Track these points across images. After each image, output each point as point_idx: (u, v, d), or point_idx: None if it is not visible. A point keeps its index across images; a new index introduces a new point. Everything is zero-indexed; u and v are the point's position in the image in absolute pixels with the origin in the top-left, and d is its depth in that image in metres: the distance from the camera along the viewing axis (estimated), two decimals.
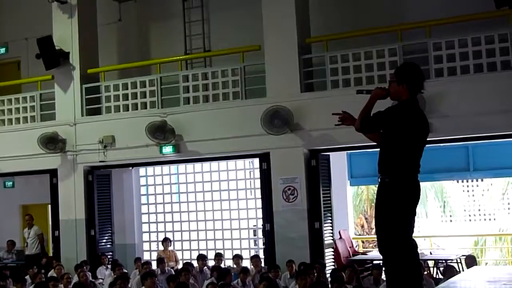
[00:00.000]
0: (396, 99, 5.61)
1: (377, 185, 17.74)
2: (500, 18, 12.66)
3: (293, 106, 13.40)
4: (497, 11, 12.35)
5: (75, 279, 12.87)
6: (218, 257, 14.35)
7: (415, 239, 5.61)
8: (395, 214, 5.42)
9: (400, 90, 5.56)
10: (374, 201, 18.19)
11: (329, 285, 10.29)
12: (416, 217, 5.60)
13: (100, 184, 16.00)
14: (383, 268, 6.49)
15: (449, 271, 10.92)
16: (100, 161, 15.31)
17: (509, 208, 25.63)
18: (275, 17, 13.88)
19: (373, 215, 18.40)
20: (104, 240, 16.01)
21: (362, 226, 22.91)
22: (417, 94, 5.58)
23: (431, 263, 14.46)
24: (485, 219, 26.12)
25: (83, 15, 16.05)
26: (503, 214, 25.46)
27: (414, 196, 5.52)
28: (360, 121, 5.62)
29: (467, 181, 23.94)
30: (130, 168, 16.72)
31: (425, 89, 5.61)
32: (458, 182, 23.32)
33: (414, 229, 5.64)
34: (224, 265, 14.60)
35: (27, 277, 13.32)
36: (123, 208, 16.88)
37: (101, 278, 13.11)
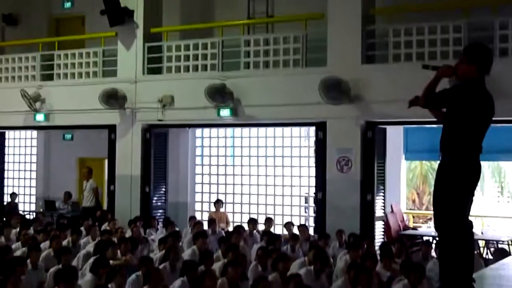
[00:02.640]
0: (463, 78, 5.56)
1: (431, 161, 17.63)
2: None
3: (352, 77, 13.37)
4: None
5: (128, 233, 13.17)
6: (269, 221, 14.50)
7: (471, 219, 5.65)
8: (453, 194, 5.43)
9: (470, 69, 5.50)
10: (427, 176, 18.14)
11: (378, 258, 10.33)
12: (473, 198, 5.61)
13: (157, 142, 16.26)
14: (437, 245, 6.50)
15: (500, 252, 10.87)
16: (158, 120, 15.54)
17: None
18: None
19: (425, 191, 18.34)
20: (158, 197, 16.31)
21: (414, 201, 22.83)
22: (485, 75, 5.54)
23: (481, 243, 14.41)
24: None
25: None
26: None
27: (474, 177, 5.51)
28: (424, 97, 5.60)
29: None
30: (187, 128, 16.89)
31: (492, 74, 5.56)
32: None
33: (471, 208, 5.66)
34: (274, 230, 14.75)
35: (82, 228, 13.68)
36: (178, 167, 17.13)
37: (153, 239, 13.38)
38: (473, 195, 5.55)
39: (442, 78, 5.63)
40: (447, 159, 5.50)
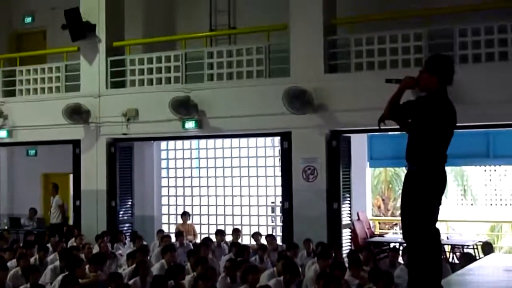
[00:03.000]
0: (425, 89, 5.68)
1: (395, 167, 17.86)
2: None
3: (316, 87, 13.49)
4: None
5: (95, 249, 13.09)
6: (236, 232, 14.53)
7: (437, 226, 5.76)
8: (421, 202, 5.54)
9: (431, 80, 5.62)
10: (392, 182, 18.36)
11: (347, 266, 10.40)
12: (440, 205, 5.71)
13: (122, 156, 16.22)
14: (405, 253, 6.62)
15: (466, 257, 11.02)
16: (123, 134, 15.51)
17: None
18: None
19: (390, 197, 18.56)
20: (124, 211, 16.25)
21: (379, 207, 23.03)
22: (447, 85, 5.65)
23: (447, 248, 14.60)
24: (501, 204, 26.27)
25: None
26: None
27: (440, 185, 5.63)
28: (389, 109, 5.70)
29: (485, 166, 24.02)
30: (152, 141, 16.87)
31: (453, 82, 5.67)
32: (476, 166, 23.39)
33: (438, 216, 5.76)
34: (242, 241, 14.77)
35: (49, 245, 13.57)
36: (143, 180, 17.09)
37: (120, 254, 13.31)
38: (439, 203, 5.66)
39: (406, 90, 5.73)
40: (413, 169, 5.61)
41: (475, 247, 14.30)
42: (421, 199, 5.53)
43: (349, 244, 14.23)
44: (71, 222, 17.04)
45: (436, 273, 5.62)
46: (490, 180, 26.59)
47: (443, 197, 5.74)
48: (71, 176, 17.20)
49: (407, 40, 13.14)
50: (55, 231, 15.45)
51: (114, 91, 15.86)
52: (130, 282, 9.54)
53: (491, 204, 26.57)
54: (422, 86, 5.70)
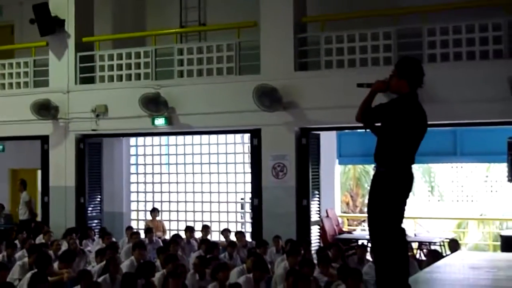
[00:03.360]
0: (396, 92, 5.76)
1: (363, 165, 17.98)
2: (495, 7, 12.78)
3: (286, 84, 13.54)
4: (492, 0, 12.50)
5: (64, 245, 13.03)
6: (206, 229, 14.56)
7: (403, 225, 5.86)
8: (388, 203, 5.62)
9: (401, 84, 5.71)
10: (360, 179, 18.51)
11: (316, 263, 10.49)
12: (406, 206, 5.81)
13: (91, 152, 16.14)
14: (372, 252, 6.70)
15: (433, 254, 11.15)
16: (92, 130, 15.44)
17: (491, 191, 26.12)
18: None
19: (358, 193, 18.70)
20: (93, 208, 16.18)
21: (348, 204, 23.21)
22: (417, 88, 5.73)
23: (415, 245, 14.77)
24: (467, 200, 26.65)
25: None
26: (485, 197, 25.94)
27: (407, 187, 5.72)
28: (361, 113, 5.78)
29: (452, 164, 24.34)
30: (121, 137, 16.81)
31: (424, 84, 5.75)
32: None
33: (404, 216, 5.86)
34: (211, 237, 14.81)
35: (17, 241, 13.48)
36: (112, 176, 17.04)
37: (89, 251, 13.27)
38: (405, 204, 5.75)
39: (377, 93, 5.81)
40: (381, 170, 5.70)
41: (442, 244, 14.48)
42: (388, 200, 5.62)
43: (318, 241, 14.33)
44: (39, 218, 16.91)
45: (403, 271, 5.71)
46: (457, 177, 26.96)
47: (411, 194, 5.83)
48: (39, 172, 17.10)
49: (377, 39, 13.25)
50: (23, 228, 15.34)
51: (83, 87, 15.78)
52: (100, 279, 9.51)
53: (457, 201, 26.94)
54: (393, 90, 5.78)
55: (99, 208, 16.38)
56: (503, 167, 13.57)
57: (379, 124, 5.80)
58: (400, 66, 5.80)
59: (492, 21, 12.44)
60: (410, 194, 5.86)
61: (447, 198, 27.08)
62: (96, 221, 16.20)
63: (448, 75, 12.44)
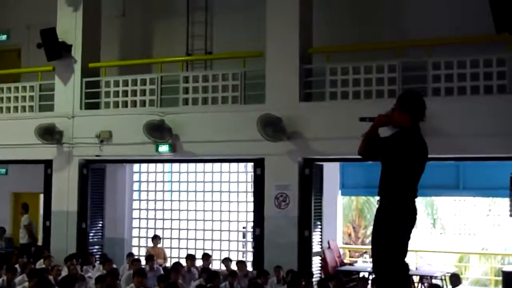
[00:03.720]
0: (398, 126, 5.78)
1: (366, 196, 17.96)
2: (500, 42, 12.84)
3: (290, 114, 13.58)
4: (497, 36, 12.57)
5: (64, 271, 12.99)
6: (206, 257, 14.52)
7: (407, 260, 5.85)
8: (391, 237, 5.61)
9: (403, 117, 5.73)
10: (363, 210, 18.49)
11: None
12: (410, 240, 5.81)
13: (94, 178, 16.16)
14: (375, 285, 6.69)
15: None
16: (96, 156, 15.47)
17: (493, 225, 26.05)
18: (279, 24, 14.02)
19: (361, 225, 18.67)
20: (94, 233, 16.15)
21: (350, 235, 23.15)
22: (419, 122, 5.76)
23: (416, 278, 14.71)
24: (469, 234, 26.58)
25: (88, 8, 16.16)
26: (487, 231, 25.88)
27: (410, 220, 5.72)
28: (364, 147, 5.80)
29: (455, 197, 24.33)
30: (125, 163, 16.83)
31: (426, 117, 5.78)
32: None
33: (408, 250, 5.86)
34: (212, 266, 14.76)
35: (17, 265, 13.44)
36: (115, 202, 17.02)
37: (89, 277, 13.22)
38: (409, 238, 5.74)
39: (380, 127, 5.83)
40: (384, 203, 5.69)
41: (443, 278, 14.43)
42: (392, 233, 5.61)
43: (319, 272, 14.28)
44: (40, 242, 16.87)
45: None
46: (459, 210, 26.91)
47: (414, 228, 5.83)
48: (41, 196, 17.10)
49: (381, 71, 13.31)
50: (23, 252, 15.30)
51: (88, 112, 15.83)
52: None
53: (460, 234, 26.86)
54: (395, 124, 5.80)
55: (100, 233, 16.35)
56: (505, 201, 13.56)
57: (381, 157, 5.81)
58: (402, 99, 5.83)
59: (497, 57, 12.50)
60: (414, 227, 5.86)
61: (449, 231, 27.01)
62: (97, 246, 16.17)
63: (452, 109, 12.48)
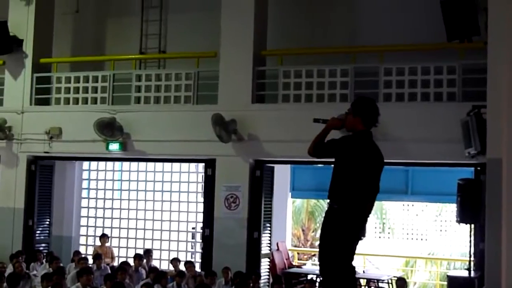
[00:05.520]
0: (351, 130, 5.85)
1: (316, 199, 18.05)
2: (451, 50, 13.04)
3: (242, 116, 13.60)
4: (448, 44, 12.77)
5: (9, 268, 12.80)
6: (148, 253, 14.53)
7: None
8: (339, 240, 5.66)
9: (355, 122, 5.80)
10: (313, 213, 18.56)
11: None
12: (358, 244, 5.85)
13: (42, 174, 15.94)
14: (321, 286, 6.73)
15: None
16: (45, 152, 15.27)
17: (441, 230, 26.42)
18: (233, 26, 14.03)
19: (310, 227, 18.74)
20: (41, 231, 15.94)
21: (299, 238, 23.24)
22: (371, 127, 5.82)
23: (363, 282, 14.84)
24: (417, 239, 26.90)
25: (41, 3, 15.91)
26: (434, 236, 26.24)
27: (359, 224, 5.77)
28: (313, 146, 5.84)
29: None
30: (74, 161, 16.64)
31: (379, 123, 5.84)
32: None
33: (355, 254, 5.91)
34: (160, 266, 14.70)
35: None
36: (63, 200, 16.79)
37: (35, 275, 13.04)
38: (357, 242, 5.79)
39: (331, 130, 5.88)
40: (334, 207, 5.73)
41: (389, 281, 14.57)
42: (340, 237, 5.66)
43: (267, 274, 14.30)
44: None
45: None
46: (408, 215, 27.23)
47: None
48: None
49: (334, 76, 13.41)
50: None
51: (38, 108, 15.62)
52: None
53: (407, 239, 27.18)
54: (348, 127, 5.87)
55: (47, 231, 16.14)
56: (453, 207, 13.75)
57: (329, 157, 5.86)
58: (355, 104, 5.90)
59: (447, 64, 12.67)
60: (362, 232, 5.91)
61: (397, 235, 27.30)
62: (44, 244, 15.94)
63: (402, 115, 12.61)
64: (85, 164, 17.30)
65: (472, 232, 11.48)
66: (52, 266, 12.96)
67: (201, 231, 14.65)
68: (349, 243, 5.73)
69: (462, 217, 11.00)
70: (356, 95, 11.68)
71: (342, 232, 5.66)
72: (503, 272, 8.90)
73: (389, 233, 27.13)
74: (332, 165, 5.85)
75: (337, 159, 5.79)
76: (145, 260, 14.22)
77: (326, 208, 5.89)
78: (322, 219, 6.03)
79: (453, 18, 12.22)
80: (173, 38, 16.47)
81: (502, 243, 8.92)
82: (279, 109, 13.66)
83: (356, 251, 5.91)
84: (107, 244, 16.13)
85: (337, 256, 5.68)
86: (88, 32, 17.46)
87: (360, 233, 5.79)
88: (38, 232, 15.84)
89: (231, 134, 13.48)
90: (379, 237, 27.05)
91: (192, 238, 16.58)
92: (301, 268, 16.05)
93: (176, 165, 16.36)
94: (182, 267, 13.59)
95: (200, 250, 14.82)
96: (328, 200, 5.84)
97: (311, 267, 16.01)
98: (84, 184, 17.41)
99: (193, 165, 16.27)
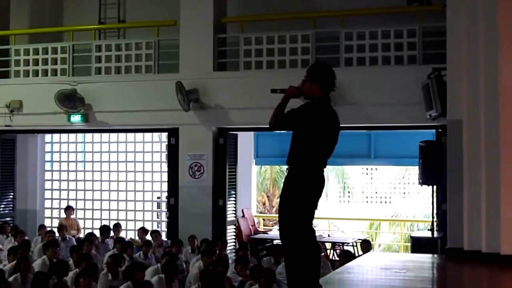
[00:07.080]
0: (309, 97, 5.88)
1: (280, 166, 18.16)
2: (410, 13, 13.12)
3: (204, 84, 13.58)
4: (407, 7, 12.85)
5: None
6: (117, 227, 14.51)
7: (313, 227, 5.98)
8: (298, 205, 5.73)
9: (313, 88, 5.83)
10: (277, 179, 18.63)
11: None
12: (316, 209, 5.93)
13: (4, 148, 15.83)
14: (282, 252, 6.79)
15: (345, 255, 11.35)
16: (6, 126, 15.09)
17: (404, 193, 26.75)
18: None
19: (275, 194, 18.84)
20: (5, 205, 15.84)
21: (264, 204, 23.37)
22: (329, 92, 5.86)
23: (328, 245, 15.02)
24: (381, 202, 27.23)
25: None
26: (398, 198, 26.56)
27: (317, 189, 5.84)
28: (274, 118, 5.87)
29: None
30: (36, 134, 16.49)
31: (336, 87, 5.88)
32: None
33: (314, 218, 5.99)
34: (126, 236, 14.71)
35: None
36: (26, 173, 16.65)
37: (1, 249, 12.97)
38: (316, 207, 5.87)
39: (290, 99, 5.91)
40: (293, 173, 5.80)
41: (354, 244, 14.76)
42: (298, 201, 5.73)
43: (234, 240, 14.40)
44: None
45: (313, 271, 5.80)
46: (371, 179, 27.51)
47: (324, 194, 5.95)
48: None
49: (295, 42, 13.42)
50: None
51: None
52: (10, 278, 9.34)
53: (370, 202, 27.50)
54: (306, 95, 5.90)
55: (11, 205, 16.06)
56: (416, 170, 13.91)
57: (291, 129, 5.89)
58: (311, 71, 5.92)
59: (407, 28, 12.75)
60: (321, 196, 5.99)
61: (360, 199, 27.61)
62: (8, 218, 15.86)
63: (364, 79, 12.72)
64: (47, 137, 17.15)
65: (435, 194, 11.66)
66: (18, 240, 12.90)
67: (166, 200, 14.69)
68: (307, 208, 5.80)
69: (424, 179, 11.14)
70: (318, 60, 11.70)
71: (300, 197, 5.73)
72: (465, 232, 9.06)
73: (351, 197, 27.38)
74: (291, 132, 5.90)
75: (296, 126, 5.82)
76: (112, 233, 14.20)
77: (285, 174, 5.94)
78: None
79: None
80: (132, 7, 16.23)
81: (463, 203, 9.06)
82: (241, 76, 13.65)
83: (321, 216, 5.99)
84: (73, 216, 16.09)
85: (296, 220, 5.75)
86: (46, 3, 17.16)
87: (317, 197, 5.86)
88: (2, 206, 15.77)
89: (191, 102, 13.45)
90: (342, 202, 27.31)
91: (157, 208, 16.61)
92: (267, 234, 16.16)
93: (139, 135, 16.30)
94: (148, 236, 13.62)
95: (166, 219, 14.85)
96: (287, 166, 5.89)
97: (277, 232, 16.11)
98: (47, 157, 17.27)
99: (156, 134, 16.24)
